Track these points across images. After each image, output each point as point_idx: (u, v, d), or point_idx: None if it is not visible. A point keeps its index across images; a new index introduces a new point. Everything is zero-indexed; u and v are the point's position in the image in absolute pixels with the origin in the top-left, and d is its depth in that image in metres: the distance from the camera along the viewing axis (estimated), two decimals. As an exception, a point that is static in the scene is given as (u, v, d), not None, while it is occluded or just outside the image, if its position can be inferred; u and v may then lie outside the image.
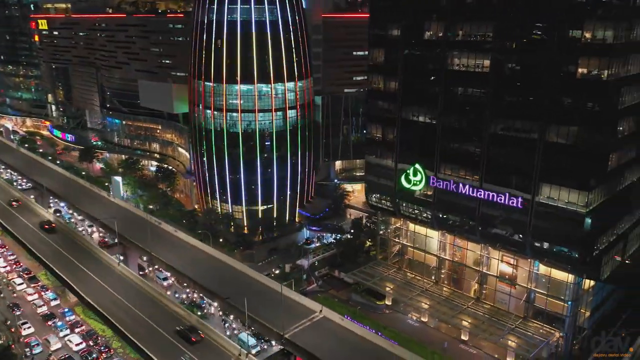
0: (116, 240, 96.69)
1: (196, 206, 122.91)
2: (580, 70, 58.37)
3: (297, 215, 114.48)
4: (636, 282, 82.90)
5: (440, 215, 76.46)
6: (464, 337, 74.57)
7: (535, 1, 60.70)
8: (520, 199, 65.81)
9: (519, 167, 65.79)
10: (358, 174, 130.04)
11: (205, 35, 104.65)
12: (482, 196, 69.43)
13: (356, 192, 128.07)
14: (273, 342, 72.41)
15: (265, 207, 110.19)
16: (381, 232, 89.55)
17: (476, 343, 73.57)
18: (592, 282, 70.42)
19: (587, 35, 57.48)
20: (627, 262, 78.02)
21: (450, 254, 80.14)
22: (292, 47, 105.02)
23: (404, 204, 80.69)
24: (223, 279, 74.17)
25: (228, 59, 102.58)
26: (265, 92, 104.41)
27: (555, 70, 60.05)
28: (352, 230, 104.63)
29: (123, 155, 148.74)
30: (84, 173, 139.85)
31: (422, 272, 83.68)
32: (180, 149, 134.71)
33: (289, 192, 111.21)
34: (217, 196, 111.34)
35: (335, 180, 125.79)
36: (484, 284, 76.54)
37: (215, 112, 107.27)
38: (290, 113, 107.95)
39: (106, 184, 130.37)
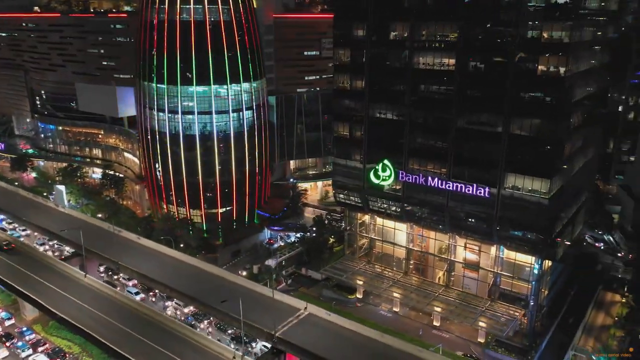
0: (70, 251, 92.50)
1: (148, 212, 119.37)
2: (540, 67, 63.37)
3: (255, 216, 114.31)
4: (581, 262, 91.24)
5: (410, 208, 79.59)
6: (436, 323, 78.27)
7: (497, 3, 65.08)
8: (487, 189, 70.20)
9: (485, 158, 70.09)
10: (311, 172, 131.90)
11: (156, 36, 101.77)
12: (450, 188, 73.27)
13: (309, 190, 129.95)
14: (254, 344, 72.60)
15: (224, 209, 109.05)
16: (348, 228, 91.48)
17: (447, 327, 77.55)
18: (550, 263, 76.37)
19: (546, 35, 62.54)
20: (567, 243, 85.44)
21: (418, 245, 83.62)
22: (247, 48, 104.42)
23: (372, 199, 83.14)
24: (200, 284, 72.90)
25: (182, 60, 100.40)
26: (221, 93, 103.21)
27: (518, 67, 64.73)
28: (314, 228, 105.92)
29: (60, 163, 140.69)
30: (16, 183, 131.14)
31: (391, 264, 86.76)
32: (126, 154, 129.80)
33: (247, 193, 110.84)
34: (174, 200, 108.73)
35: (291, 180, 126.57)
36: (451, 272, 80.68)
37: (169, 115, 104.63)
38: (246, 114, 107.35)
39: (44, 193, 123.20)
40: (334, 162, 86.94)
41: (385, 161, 78.57)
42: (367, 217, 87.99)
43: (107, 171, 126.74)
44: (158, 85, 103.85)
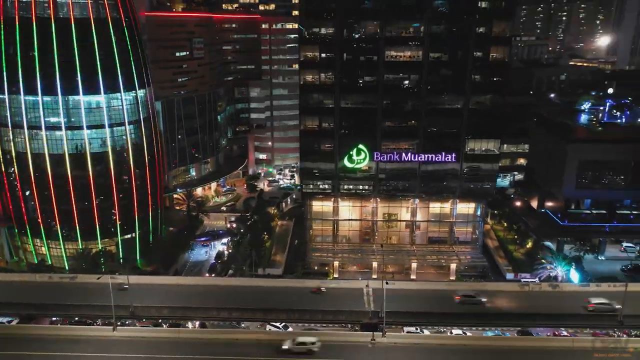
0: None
1: (8, 259, 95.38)
2: (491, 55, 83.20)
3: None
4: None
5: (383, 184, 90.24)
6: (413, 277, 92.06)
7: (457, 6, 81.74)
8: (453, 155, 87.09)
9: (450, 130, 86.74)
10: (182, 180, 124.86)
11: (19, 37, 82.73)
12: (422, 159, 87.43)
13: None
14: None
15: (140, 231, 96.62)
16: (309, 217, 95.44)
17: (423, 277, 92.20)
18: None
19: (495, 30, 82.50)
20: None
21: (382, 215, 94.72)
22: (137, 50, 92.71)
23: (344, 183, 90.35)
24: (255, 298, 68.56)
25: (79, 65, 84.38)
26: (115, 103, 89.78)
27: (474, 56, 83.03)
28: (241, 230, 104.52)
29: None
30: None
31: (358, 239, 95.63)
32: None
33: (160, 209, 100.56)
34: (78, 233, 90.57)
35: (178, 189, 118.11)
36: (415, 231, 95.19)
37: (47, 133, 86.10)
38: (136, 125, 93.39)
39: None
40: (302, 155, 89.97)
41: (360, 145, 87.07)
42: (324, 204, 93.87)
43: None
44: (45, 97, 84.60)
